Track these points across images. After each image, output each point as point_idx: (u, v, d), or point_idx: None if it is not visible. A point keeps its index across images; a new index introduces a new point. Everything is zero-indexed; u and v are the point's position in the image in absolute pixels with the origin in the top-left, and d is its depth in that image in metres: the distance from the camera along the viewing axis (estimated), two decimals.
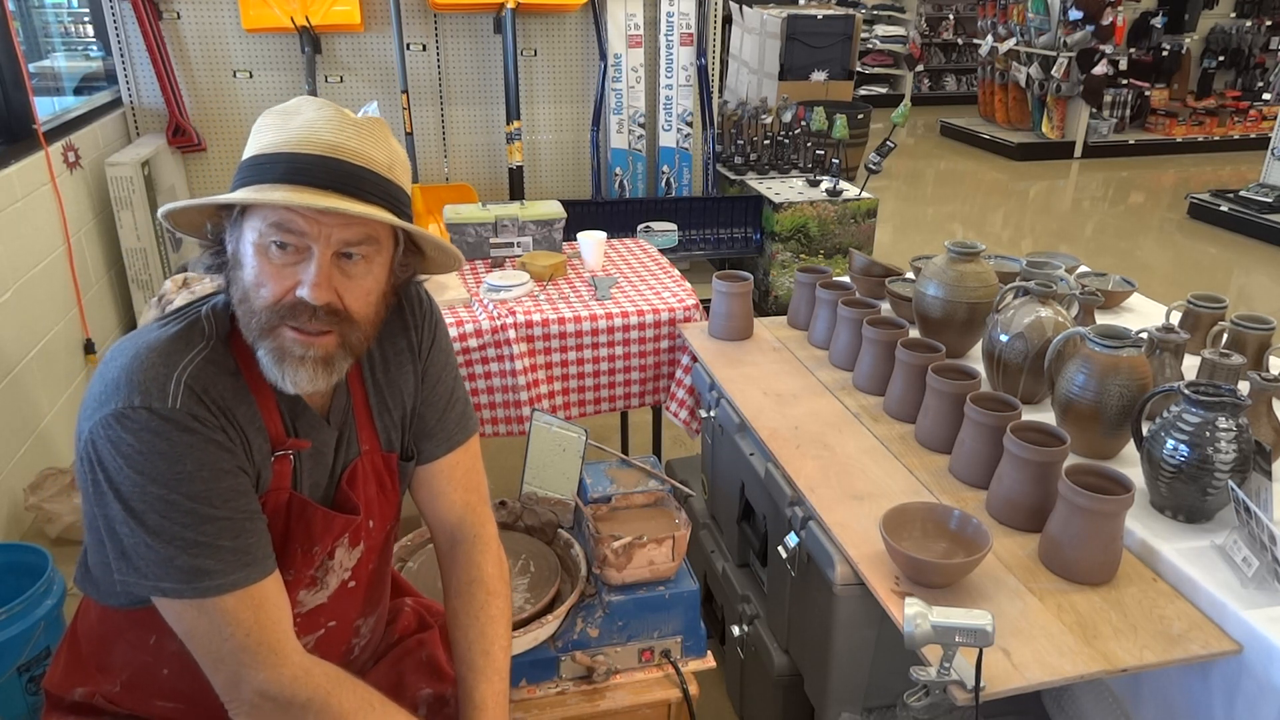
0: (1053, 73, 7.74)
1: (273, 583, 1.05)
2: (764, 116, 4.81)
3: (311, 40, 3.80)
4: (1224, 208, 6.12)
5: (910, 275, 2.42)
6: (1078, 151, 8.09)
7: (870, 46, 10.08)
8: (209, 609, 1.00)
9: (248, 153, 1.04)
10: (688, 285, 2.55)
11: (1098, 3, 7.36)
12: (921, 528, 1.48)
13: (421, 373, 1.26)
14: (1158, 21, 8.31)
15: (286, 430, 1.11)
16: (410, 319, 1.25)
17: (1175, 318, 2.13)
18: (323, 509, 1.14)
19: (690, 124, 4.40)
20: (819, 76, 6.63)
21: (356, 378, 1.20)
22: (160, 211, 1.05)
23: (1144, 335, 1.74)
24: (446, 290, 2.40)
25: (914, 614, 1.19)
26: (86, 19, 4.10)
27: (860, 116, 6.50)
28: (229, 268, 1.05)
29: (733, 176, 4.64)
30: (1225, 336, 1.97)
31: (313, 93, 3.77)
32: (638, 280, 2.58)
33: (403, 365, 1.24)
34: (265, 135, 1.03)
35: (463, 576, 1.30)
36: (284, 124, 1.03)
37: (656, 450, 2.88)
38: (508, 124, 4.00)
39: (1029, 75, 7.98)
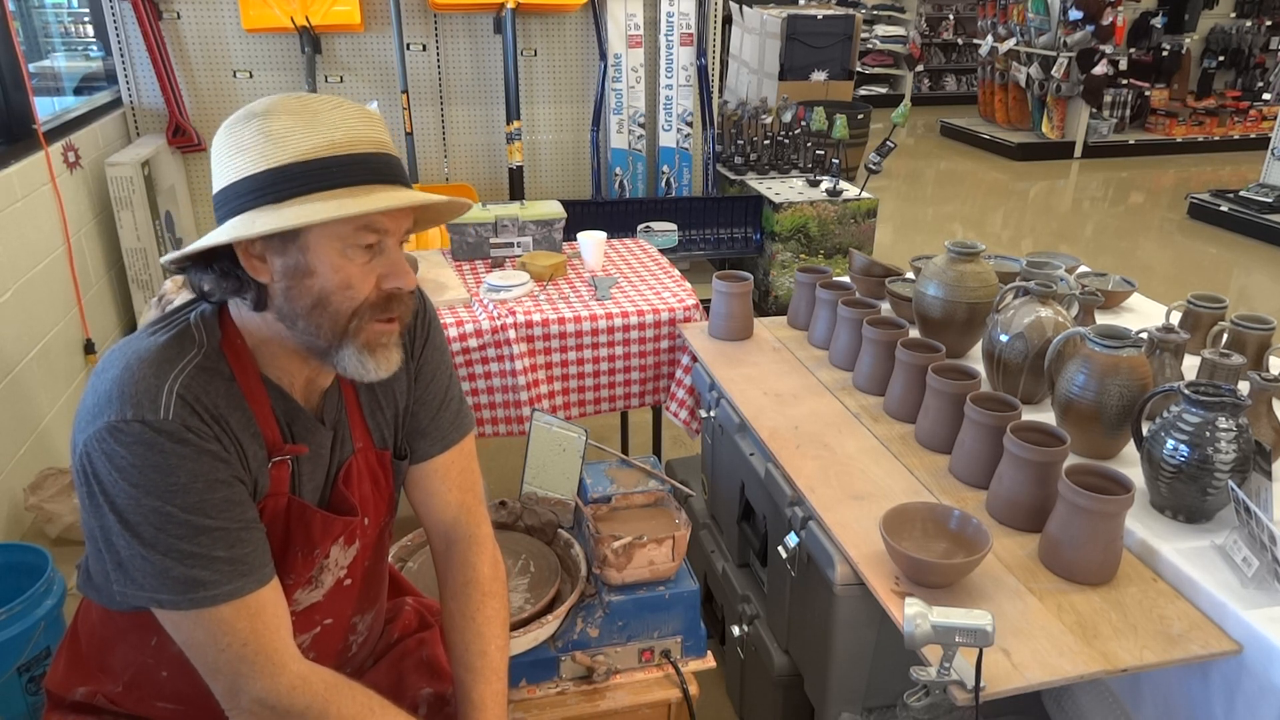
0: (1053, 73, 7.74)
1: (270, 591, 1.04)
2: (764, 116, 4.81)
3: (311, 40, 3.81)
4: (1224, 208, 6.12)
5: (910, 275, 2.41)
6: (1078, 151, 8.09)
7: (870, 46, 10.07)
8: (205, 619, 1.00)
9: (271, 161, 0.98)
10: (688, 285, 2.55)
11: (1098, 3, 7.37)
12: (921, 528, 1.48)
13: (415, 371, 1.26)
14: (1158, 21, 8.30)
15: (283, 435, 1.10)
16: None
17: (1175, 318, 2.13)
18: (321, 512, 1.14)
19: (690, 124, 4.40)
20: (819, 76, 6.63)
21: None
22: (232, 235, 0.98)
23: (1144, 335, 1.74)
24: (446, 290, 2.40)
25: (914, 614, 1.19)
26: (86, 19, 4.10)
27: (860, 116, 6.50)
28: (282, 279, 1.01)
29: (733, 176, 4.64)
30: (1225, 336, 1.97)
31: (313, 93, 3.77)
32: (638, 280, 2.58)
33: None
34: (300, 140, 0.98)
35: (458, 578, 1.29)
36: (313, 123, 0.99)
37: (656, 450, 2.88)
38: (508, 124, 4.01)
39: (1029, 75, 7.98)
